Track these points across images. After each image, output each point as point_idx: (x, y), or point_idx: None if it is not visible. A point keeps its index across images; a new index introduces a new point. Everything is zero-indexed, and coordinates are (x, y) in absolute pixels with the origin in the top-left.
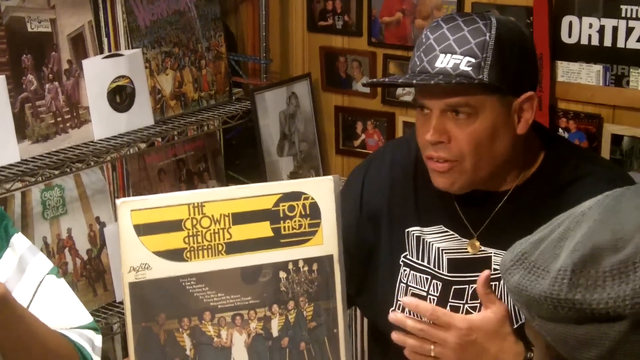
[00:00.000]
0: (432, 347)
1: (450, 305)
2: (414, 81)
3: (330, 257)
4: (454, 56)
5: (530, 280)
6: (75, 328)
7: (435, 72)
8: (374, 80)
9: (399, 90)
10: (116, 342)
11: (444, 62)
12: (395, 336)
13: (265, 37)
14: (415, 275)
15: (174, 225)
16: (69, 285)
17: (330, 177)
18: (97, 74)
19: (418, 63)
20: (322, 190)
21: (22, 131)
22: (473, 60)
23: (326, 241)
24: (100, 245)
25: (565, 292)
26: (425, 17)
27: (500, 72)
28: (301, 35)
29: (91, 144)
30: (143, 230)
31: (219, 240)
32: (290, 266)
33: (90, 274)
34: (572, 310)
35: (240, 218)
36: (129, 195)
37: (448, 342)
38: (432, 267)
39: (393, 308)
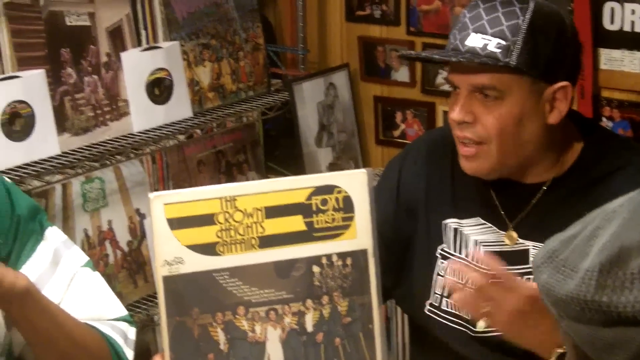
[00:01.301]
0: (487, 305)
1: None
2: (438, 56)
3: (365, 251)
4: (485, 36)
5: (558, 279)
6: (109, 320)
7: (465, 51)
8: (404, 52)
9: (439, 79)
10: (157, 333)
11: (474, 41)
12: (450, 281)
13: (303, 27)
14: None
15: (207, 219)
16: (110, 276)
17: (364, 170)
18: (136, 66)
19: (452, 40)
20: (355, 183)
21: (62, 124)
22: (503, 42)
23: (360, 235)
24: (140, 237)
25: (592, 293)
26: (464, 5)
27: (530, 58)
28: (339, 25)
29: (130, 136)
30: (176, 224)
31: (252, 234)
32: (324, 260)
33: (130, 266)
34: (599, 313)
35: (273, 212)
36: (168, 187)
37: (505, 305)
38: (469, 259)
39: (430, 301)
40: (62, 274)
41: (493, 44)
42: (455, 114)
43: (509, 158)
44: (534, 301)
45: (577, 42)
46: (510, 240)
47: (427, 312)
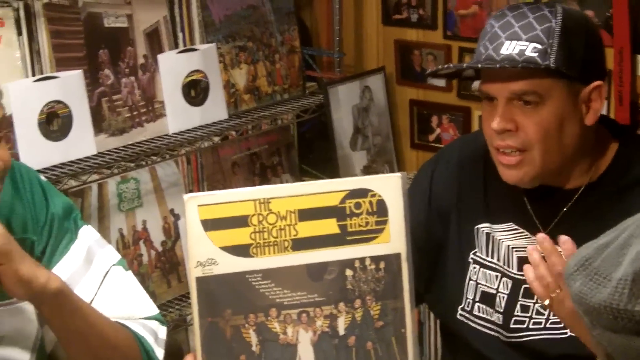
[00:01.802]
0: (557, 291)
1: (520, 304)
2: (479, 65)
3: (398, 255)
4: (520, 42)
5: (591, 288)
6: (140, 319)
7: (501, 59)
8: (438, 67)
9: (475, 84)
10: (189, 333)
11: (510, 48)
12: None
13: (339, 30)
14: (485, 272)
15: (241, 221)
16: (144, 276)
17: (398, 174)
18: (172, 68)
19: (483, 51)
20: (389, 187)
21: (98, 124)
22: (539, 46)
23: (393, 239)
24: (174, 238)
25: (625, 302)
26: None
27: (567, 59)
28: (375, 29)
29: (166, 137)
30: (210, 225)
31: (285, 236)
32: (357, 264)
33: (164, 266)
34: (632, 322)
35: (307, 215)
36: (203, 188)
37: (565, 301)
38: (502, 264)
39: (462, 305)
40: (94, 273)
41: (530, 49)
42: (496, 124)
43: (551, 163)
44: None
45: (602, 42)
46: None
47: (459, 317)
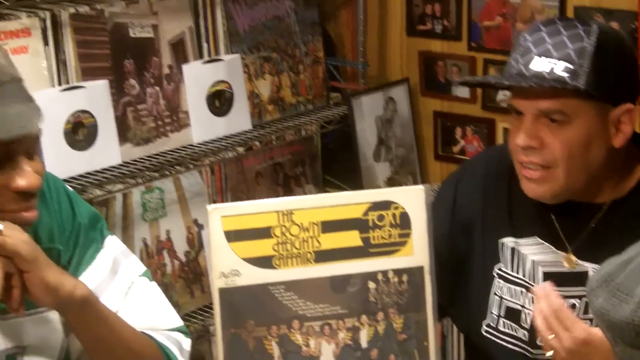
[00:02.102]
0: (552, 336)
1: None
2: (507, 82)
3: (421, 268)
4: (551, 60)
5: (614, 304)
6: (165, 330)
7: (530, 75)
8: (468, 78)
9: (500, 96)
10: (213, 344)
11: (540, 65)
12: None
13: (364, 41)
14: (510, 287)
15: (264, 232)
16: (167, 286)
17: (421, 186)
18: (197, 78)
19: (514, 64)
20: (412, 199)
21: (123, 134)
22: (570, 65)
23: (416, 252)
24: (198, 248)
25: None
26: (526, 21)
27: (597, 80)
28: (399, 40)
29: (190, 147)
30: (233, 236)
31: (308, 248)
32: (380, 276)
33: (187, 276)
34: None
35: (330, 226)
36: (226, 199)
37: (563, 342)
38: (527, 279)
39: (486, 321)
40: (120, 283)
41: (560, 68)
42: (521, 140)
43: (575, 181)
44: (590, 344)
45: (637, 64)
46: (569, 262)
47: (484, 333)
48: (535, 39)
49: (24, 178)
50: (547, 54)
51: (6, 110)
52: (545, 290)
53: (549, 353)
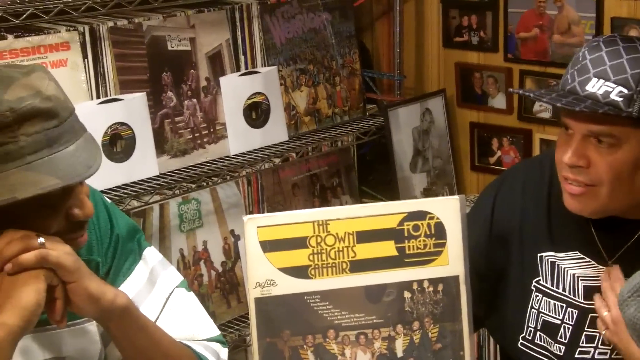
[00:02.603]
0: (606, 313)
1: (585, 335)
2: (559, 104)
3: (456, 277)
4: (607, 83)
5: None
6: (202, 340)
7: (584, 96)
8: (520, 90)
9: (536, 107)
10: (249, 353)
11: (596, 87)
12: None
13: (400, 53)
14: (549, 302)
15: (299, 243)
16: (204, 296)
17: (457, 196)
18: (234, 90)
19: (569, 81)
20: (447, 210)
21: (161, 146)
22: (625, 91)
23: (452, 262)
24: (234, 258)
25: None
26: (562, 33)
27: None
28: (436, 51)
29: (227, 158)
30: (269, 246)
31: (343, 258)
32: (415, 286)
33: (224, 286)
34: None
35: (365, 236)
36: (263, 209)
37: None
38: (567, 294)
39: (523, 334)
40: (158, 294)
41: (615, 92)
42: (568, 158)
43: (617, 202)
44: None
45: None
46: None
47: (520, 347)
48: (594, 58)
49: (81, 209)
50: (605, 77)
51: (70, 149)
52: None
53: (603, 331)
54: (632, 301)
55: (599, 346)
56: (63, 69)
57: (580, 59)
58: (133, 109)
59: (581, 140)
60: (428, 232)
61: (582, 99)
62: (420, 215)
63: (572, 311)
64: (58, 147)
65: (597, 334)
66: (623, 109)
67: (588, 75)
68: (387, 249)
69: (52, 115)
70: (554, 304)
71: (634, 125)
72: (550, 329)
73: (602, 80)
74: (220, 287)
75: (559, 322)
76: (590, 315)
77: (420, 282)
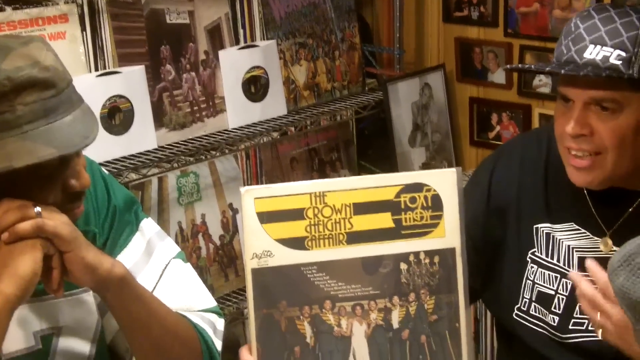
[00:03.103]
0: (598, 315)
1: (579, 305)
2: (562, 71)
3: (453, 250)
4: (604, 48)
5: (634, 282)
6: (198, 311)
7: (583, 63)
8: (519, 65)
9: (536, 82)
10: (247, 326)
11: (593, 53)
12: (573, 276)
13: (400, 28)
14: (544, 273)
15: (296, 214)
16: (202, 269)
17: (453, 169)
18: (233, 64)
19: (565, 52)
20: (444, 182)
21: (159, 119)
22: (624, 54)
23: (448, 234)
24: (232, 232)
25: None
26: (563, 7)
27: None
28: (436, 26)
29: (226, 132)
30: (266, 217)
31: (340, 229)
32: (411, 258)
33: (222, 259)
34: None
35: (362, 208)
36: (261, 184)
37: (612, 317)
38: (562, 265)
39: (518, 305)
40: (154, 265)
41: (614, 56)
42: (571, 128)
43: (622, 168)
44: None
45: None
46: (606, 247)
47: (515, 317)
48: (588, 26)
49: (78, 180)
50: (601, 42)
51: (67, 119)
52: (592, 265)
53: (599, 332)
54: (622, 270)
55: None
56: (61, 41)
57: (573, 29)
58: (132, 81)
59: (582, 109)
60: (425, 204)
61: (582, 66)
62: (417, 187)
63: (566, 282)
64: (55, 117)
65: None
66: (624, 71)
67: (584, 43)
68: (384, 220)
69: (50, 85)
70: (549, 274)
71: (634, 88)
72: (544, 300)
73: (599, 46)
74: (218, 261)
75: (552, 292)
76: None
77: (416, 254)
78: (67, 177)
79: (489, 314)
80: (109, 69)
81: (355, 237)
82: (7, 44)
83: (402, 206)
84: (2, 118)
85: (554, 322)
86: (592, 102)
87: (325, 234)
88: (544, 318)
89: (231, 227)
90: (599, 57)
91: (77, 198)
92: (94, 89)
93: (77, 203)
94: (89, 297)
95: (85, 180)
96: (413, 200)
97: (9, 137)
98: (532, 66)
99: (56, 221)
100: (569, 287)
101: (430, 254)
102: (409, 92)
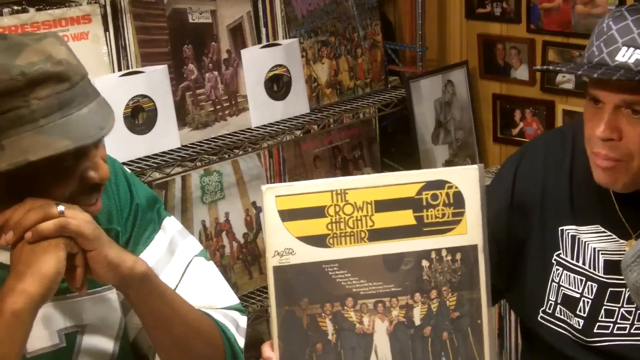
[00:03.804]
0: None
1: (605, 309)
2: (595, 75)
3: (475, 247)
4: (637, 51)
5: None
6: (221, 309)
7: (615, 66)
8: (550, 67)
9: (559, 78)
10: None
11: (626, 56)
12: None
13: (422, 25)
14: (569, 275)
15: (318, 212)
16: (226, 267)
17: (475, 166)
18: (255, 63)
19: (597, 53)
20: (466, 179)
21: (182, 118)
22: None
23: (470, 231)
24: (256, 230)
25: None
26: (586, 3)
27: None
28: (459, 23)
29: (248, 131)
30: (287, 215)
31: (362, 227)
32: (433, 255)
33: (246, 257)
34: None
35: (383, 206)
36: (284, 182)
37: None
38: (587, 268)
39: (543, 308)
40: (177, 263)
41: None
42: (601, 132)
43: None
44: None
45: None
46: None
47: (540, 320)
48: (620, 28)
49: (97, 171)
50: (634, 44)
51: (83, 112)
52: None
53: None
54: (636, 266)
55: (618, 321)
56: (84, 41)
57: (605, 30)
58: (154, 81)
59: (613, 112)
60: (446, 201)
61: (614, 69)
62: (439, 184)
63: (591, 285)
64: (70, 110)
65: (617, 309)
66: None
67: (617, 45)
68: (406, 218)
69: (64, 79)
70: (574, 277)
71: None
72: (569, 303)
73: (632, 49)
74: (242, 259)
75: (578, 295)
76: (609, 289)
77: (438, 251)
78: (85, 169)
79: (513, 311)
80: (131, 68)
81: (377, 235)
82: (21, 41)
83: (424, 203)
84: (17, 113)
85: (579, 325)
86: (624, 105)
87: (347, 232)
88: (568, 321)
89: (254, 225)
90: (632, 60)
91: (96, 190)
92: (116, 89)
93: (95, 195)
94: (112, 295)
95: (104, 172)
96: (435, 197)
97: (25, 132)
98: (565, 68)
99: (79, 220)
100: (594, 290)
101: (452, 251)
102: (432, 89)
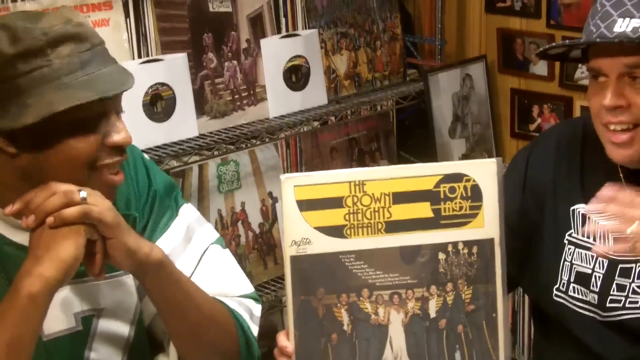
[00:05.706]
0: (635, 224)
1: (616, 283)
2: (598, 39)
3: (491, 240)
4: (634, 20)
5: None
6: (236, 297)
7: (615, 36)
8: (552, 44)
9: (578, 74)
10: (285, 314)
11: (623, 26)
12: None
13: (442, 18)
14: (581, 252)
15: (335, 202)
16: (241, 257)
17: (494, 159)
18: (274, 53)
19: (594, 30)
20: (484, 172)
21: (201, 107)
22: None
23: (487, 224)
24: (272, 220)
25: None
26: None
27: None
28: (478, 17)
29: (266, 121)
30: (305, 205)
31: (379, 218)
32: (450, 248)
33: (261, 247)
34: None
35: (401, 198)
36: (301, 172)
37: None
38: (597, 244)
39: (557, 286)
40: (193, 250)
41: None
42: (608, 100)
43: None
44: None
45: None
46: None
47: (555, 298)
48: (614, 3)
49: (119, 134)
50: (629, 15)
51: (104, 70)
52: (605, 195)
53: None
54: None
55: (630, 295)
56: (105, 28)
57: (599, 8)
58: (174, 69)
59: (616, 81)
60: (464, 195)
61: (614, 38)
62: (457, 177)
63: (602, 261)
64: (91, 69)
65: (628, 284)
66: None
67: (613, 19)
68: (423, 210)
69: (83, 39)
70: (585, 253)
71: None
72: (583, 279)
73: (627, 19)
74: (257, 248)
75: (589, 271)
76: (620, 265)
77: (455, 244)
78: (108, 132)
79: (526, 306)
80: (151, 56)
81: (394, 226)
82: (39, 12)
83: (442, 196)
84: (41, 72)
85: (595, 300)
86: (626, 72)
87: (364, 223)
88: (584, 298)
89: (270, 216)
90: (629, 29)
91: (120, 153)
92: (136, 76)
93: (118, 159)
94: (129, 280)
95: (126, 135)
96: (452, 190)
97: (49, 89)
98: (565, 42)
99: (101, 207)
100: (605, 265)
101: (468, 244)
102: (450, 82)
